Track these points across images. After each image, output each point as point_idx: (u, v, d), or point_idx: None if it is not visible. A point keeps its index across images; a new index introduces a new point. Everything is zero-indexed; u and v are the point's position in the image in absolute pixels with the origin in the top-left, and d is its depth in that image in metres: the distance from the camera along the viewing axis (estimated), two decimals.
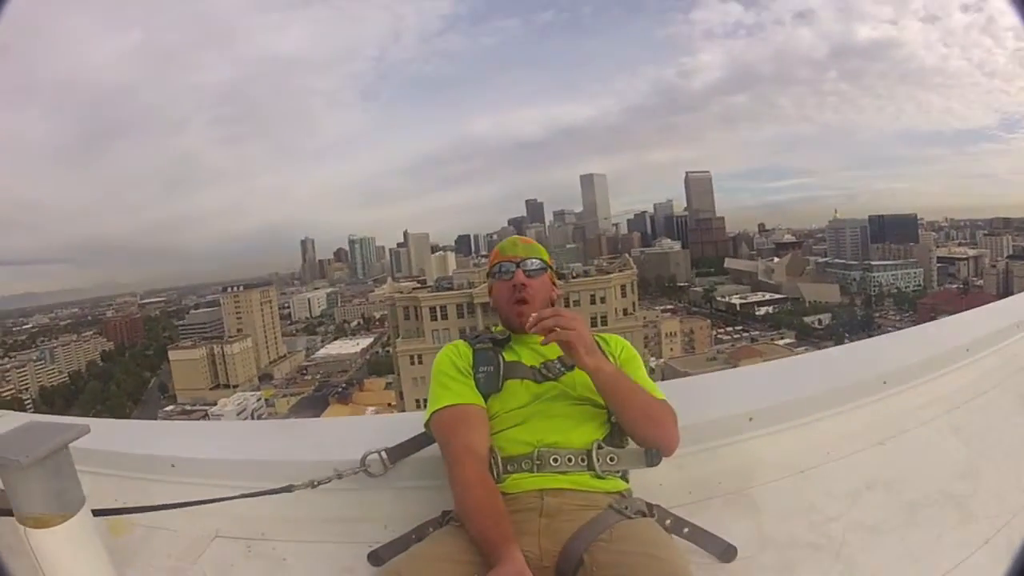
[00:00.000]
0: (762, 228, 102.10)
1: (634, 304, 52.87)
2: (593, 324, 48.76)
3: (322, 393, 72.74)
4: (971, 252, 76.24)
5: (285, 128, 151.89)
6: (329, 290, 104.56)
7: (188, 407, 71.10)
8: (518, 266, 2.29)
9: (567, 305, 48.35)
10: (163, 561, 2.39)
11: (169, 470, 2.63)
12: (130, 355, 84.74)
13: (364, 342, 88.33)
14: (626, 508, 1.99)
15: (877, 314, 76.96)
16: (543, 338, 2.08)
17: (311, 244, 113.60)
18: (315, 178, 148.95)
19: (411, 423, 2.44)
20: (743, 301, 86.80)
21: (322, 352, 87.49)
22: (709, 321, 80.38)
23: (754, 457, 2.56)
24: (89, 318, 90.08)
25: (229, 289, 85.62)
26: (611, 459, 2.08)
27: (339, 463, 2.33)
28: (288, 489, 2.22)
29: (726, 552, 2.15)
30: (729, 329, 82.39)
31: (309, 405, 67.88)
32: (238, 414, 65.36)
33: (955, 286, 74.13)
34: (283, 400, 71.60)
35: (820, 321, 77.79)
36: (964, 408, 2.81)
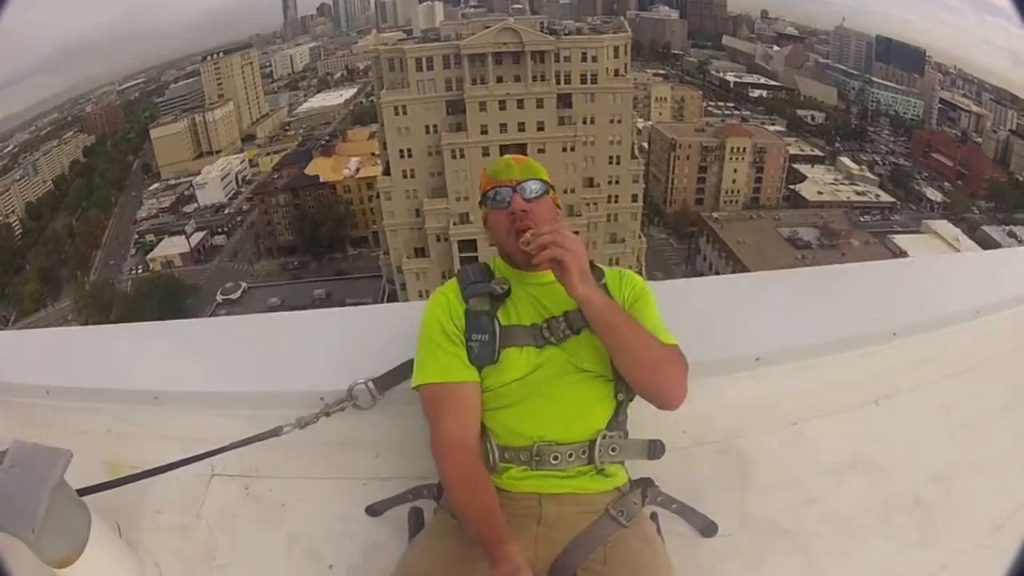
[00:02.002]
0: (765, 15, 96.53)
1: (626, 66, 51.11)
2: (583, 82, 47.94)
3: (305, 148, 72.74)
4: (975, 108, 73.27)
5: None
6: (312, 45, 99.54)
7: (172, 182, 71.20)
8: (515, 190, 2.03)
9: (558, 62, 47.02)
10: (169, 517, 2.38)
11: (152, 402, 2.56)
12: (112, 144, 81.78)
13: (348, 93, 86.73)
14: (622, 514, 1.93)
15: (871, 129, 75.54)
16: (544, 271, 1.96)
17: (292, 1, 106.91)
18: None
19: (396, 318, 2.52)
20: (737, 80, 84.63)
21: (305, 107, 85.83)
22: (701, 92, 78.76)
23: (753, 400, 2.51)
24: (69, 119, 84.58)
25: (208, 57, 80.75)
26: (613, 450, 1.97)
27: (326, 392, 2.31)
28: (276, 432, 2.20)
29: (708, 528, 2.19)
30: (721, 104, 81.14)
31: (293, 161, 68.50)
32: (222, 179, 65.48)
33: (954, 132, 72.02)
34: (267, 159, 71.55)
35: (813, 117, 76.44)
36: (965, 375, 2.74)
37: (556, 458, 1.92)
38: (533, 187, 2.04)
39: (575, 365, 1.96)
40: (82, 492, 1.99)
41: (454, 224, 47.10)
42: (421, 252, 48.86)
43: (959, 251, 47.99)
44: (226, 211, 66.80)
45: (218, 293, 55.70)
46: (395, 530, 2.24)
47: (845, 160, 68.05)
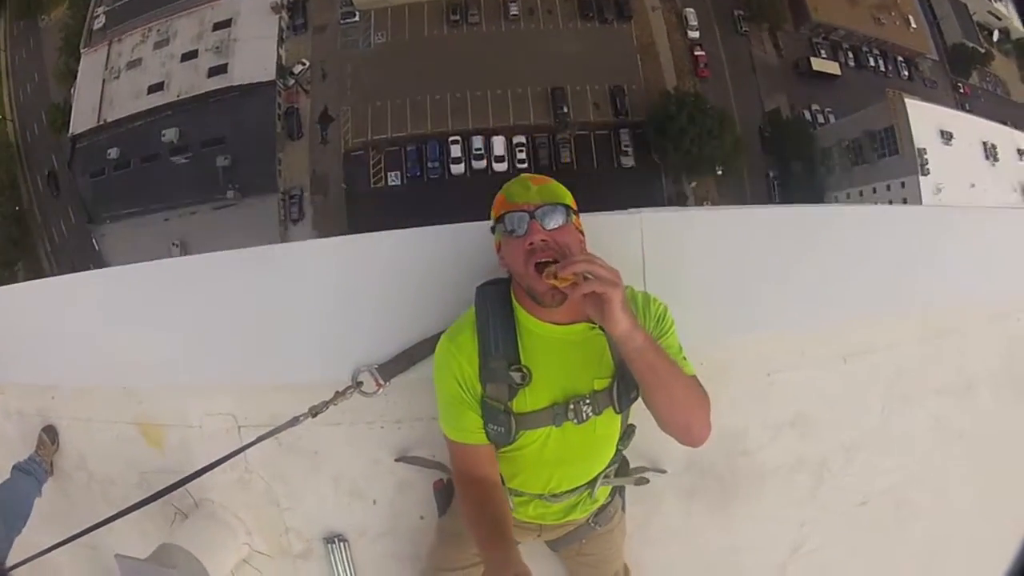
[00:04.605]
0: None
1: None
2: None
3: None
4: None
5: None
6: None
7: None
8: (532, 216, 1.73)
9: None
10: (223, 475, 2.41)
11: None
12: None
13: None
14: (598, 523, 2.22)
15: None
16: (571, 323, 1.81)
17: None
18: None
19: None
20: None
21: None
22: None
23: (738, 348, 2.42)
24: None
25: None
26: (606, 476, 2.08)
27: (332, 380, 2.29)
28: (294, 423, 2.19)
29: (658, 470, 2.40)
30: None
31: None
32: None
33: None
34: None
35: None
36: (931, 345, 2.60)
37: (560, 499, 2.04)
38: (556, 213, 1.74)
39: (591, 436, 1.89)
40: (158, 496, 2.14)
41: None
42: None
43: None
44: None
45: None
46: (422, 470, 2.45)
47: None
